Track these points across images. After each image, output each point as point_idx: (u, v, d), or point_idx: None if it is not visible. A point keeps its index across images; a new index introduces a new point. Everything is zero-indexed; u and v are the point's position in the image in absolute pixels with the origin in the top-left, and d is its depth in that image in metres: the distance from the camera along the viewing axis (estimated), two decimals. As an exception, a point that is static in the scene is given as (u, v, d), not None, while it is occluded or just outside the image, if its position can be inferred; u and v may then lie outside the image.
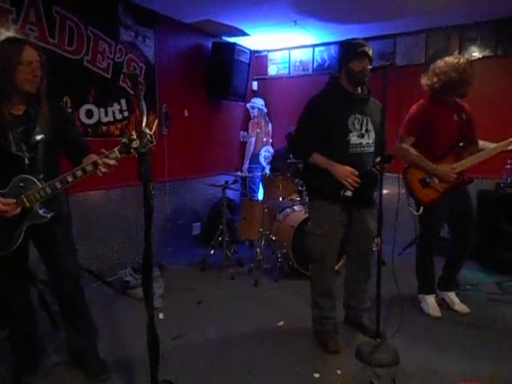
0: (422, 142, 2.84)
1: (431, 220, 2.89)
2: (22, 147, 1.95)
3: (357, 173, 2.38)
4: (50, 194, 1.92)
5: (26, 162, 1.95)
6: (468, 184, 2.89)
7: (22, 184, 1.92)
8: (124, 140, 1.75)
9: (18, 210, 1.90)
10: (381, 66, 2.31)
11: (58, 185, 1.90)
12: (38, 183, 1.93)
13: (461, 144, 2.79)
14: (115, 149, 1.81)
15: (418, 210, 2.86)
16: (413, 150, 2.84)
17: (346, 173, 2.38)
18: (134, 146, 1.70)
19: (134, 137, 1.68)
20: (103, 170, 1.85)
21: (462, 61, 2.75)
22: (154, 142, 1.65)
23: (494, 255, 3.89)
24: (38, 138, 1.98)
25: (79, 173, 1.89)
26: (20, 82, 1.91)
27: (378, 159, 2.41)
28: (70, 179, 1.90)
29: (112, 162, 1.85)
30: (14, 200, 1.89)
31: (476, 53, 4.32)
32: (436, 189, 2.82)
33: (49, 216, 1.99)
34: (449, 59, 2.79)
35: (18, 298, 2.18)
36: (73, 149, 2.15)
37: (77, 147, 2.15)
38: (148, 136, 1.61)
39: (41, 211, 1.96)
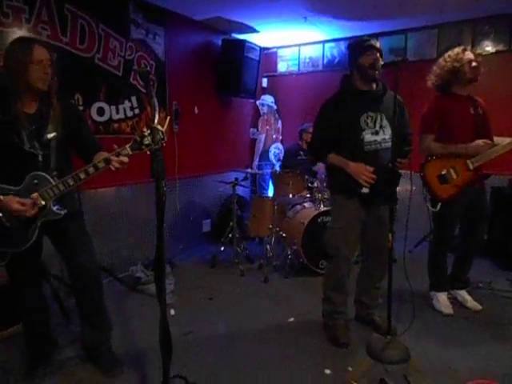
0: (441, 136, 2.80)
1: (448, 217, 2.86)
2: (35, 145, 1.97)
3: (371, 169, 2.38)
4: (63, 190, 1.94)
5: (40, 159, 1.98)
6: (485, 179, 2.85)
7: (35, 181, 1.95)
8: (135, 137, 1.76)
9: (36, 210, 1.92)
10: (393, 62, 2.30)
11: (71, 182, 1.93)
12: (52, 180, 1.96)
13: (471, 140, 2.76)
14: (127, 145, 1.83)
15: (434, 207, 2.83)
16: (434, 145, 2.82)
17: (360, 170, 2.39)
18: (146, 142, 1.71)
19: (146, 133, 1.70)
20: (116, 165, 1.87)
21: (456, 50, 2.81)
22: (165, 138, 1.66)
23: (506, 252, 3.84)
24: (50, 135, 2.00)
25: (91, 170, 1.91)
26: (32, 81, 1.93)
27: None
28: (82, 176, 1.92)
29: (125, 160, 1.87)
30: (30, 200, 1.91)
31: (489, 47, 4.26)
32: (454, 184, 2.77)
33: (62, 213, 2.01)
34: (446, 53, 2.86)
35: (31, 293, 2.21)
36: (84, 146, 2.18)
37: (88, 145, 2.18)
38: (160, 134, 1.62)
39: (54, 208, 1.99)
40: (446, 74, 2.79)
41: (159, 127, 1.62)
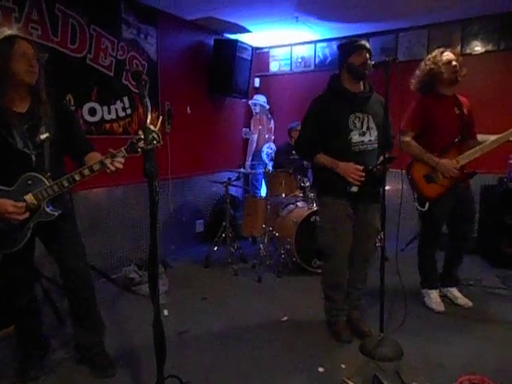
0: (424, 135, 2.83)
1: (435, 215, 2.89)
2: (29, 145, 1.96)
3: (361, 168, 2.40)
4: (58, 192, 1.93)
5: (33, 159, 1.96)
6: (472, 177, 2.88)
7: (29, 182, 1.93)
8: (132, 139, 1.76)
9: (27, 214, 1.92)
10: (383, 62, 2.31)
11: (66, 183, 1.92)
12: (46, 181, 1.94)
13: (456, 140, 2.79)
14: (122, 148, 1.83)
15: (422, 206, 2.85)
16: (414, 144, 2.85)
17: (350, 169, 2.41)
18: (141, 145, 1.71)
19: (142, 136, 1.69)
20: (113, 168, 1.86)
21: (434, 52, 2.87)
22: (161, 142, 1.66)
23: (497, 249, 3.89)
24: (44, 136, 1.99)
25: (86, 172, 1.90)
26: (19, 75, 1.90)
27: (380, 159, 2.44)
28: (77, 178, 1.91)
29: (119, 165, 1.86)
30: (24, 203, 1.90)
31: (478, 47, 4.31)
32: (440, 183, 2.81)
33: (56, 214, 2.00)
34: (426, 56, 2.92)
35: (24, 295, 2.19)
36: (76, 146, 2.16)
37: (80, 144, 2.16)
38: (154, 134, 1.62)
39: (48, 209, 1.98)
40: (426, 77, 2.85)
41: (152, 127, 1.62)
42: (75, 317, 2.30)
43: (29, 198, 1.92)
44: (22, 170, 1.93)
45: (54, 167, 2.01)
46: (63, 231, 2.14)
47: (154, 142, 1.62)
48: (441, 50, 2.86)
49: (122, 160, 1.87)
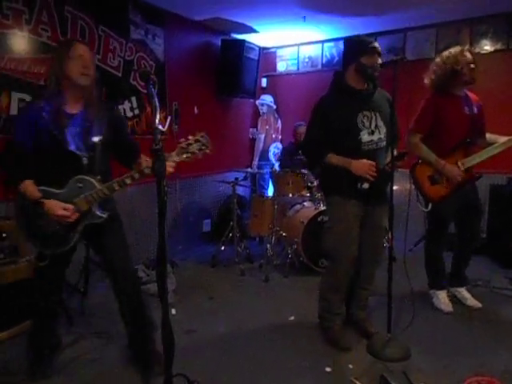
0: (433, 136, 2.81)
1: (440, 215, 2.87)
2: (81, 147, 1.98)
3: (374, 163, 2.35)
4: (108, 195, 1.96)
5: (85, 162, 1.98)
6: (477, 180, 2.86)
7: (80, 185, 1.95)
8: (181, 144, 1.90)
9: (76, 215, 1.94)
10: (391, 61, 2.30)
11: (116, 186, 1.94)
12: (97, 184, 1.96)
13: (468, 140, 2.76)
14: (173, 152, 1.92)
15: (426, 207, 2.84)
16: (422, 145, 2.82)
17: (364, 167, 2.35)
18: (191, 150, 1.88)
19: (191, 141, 1.75)
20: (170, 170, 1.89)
21: (454, 50, 2.76)
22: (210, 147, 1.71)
23: (506, 250, 3.86)
24: (96, 138, 2.01)
25: (137, 175, 1.93)
26: (74, 76, 1.95)
27: (391, 156, 2.40)
28: (128, 181, 1.93)
29: (170, 167, 1.90)
30: (73, 206, 1.93)
31: (488, 46, 4.28)
32: (444, 185, 2.78)
33: (105, 216, 2.02)
34: (444, 52, 2.82)
35: (55, 295, 2.23)
36: (124, 150, 2.19)
37: (128, 148, 2.19)
38: (203, 140, 1.66)
39: (98, 212, 2.00)
40: (445, 76, 2.76)
41: (160, 127, 1.63)
42: (125, 316, 2.27)
43: (79, 201, 1.94)
44: (72, 172, 1.95)
45: (104, 170, 2.04)
46: (112, 234, 2.15)
47: (203, 147, 1.68)
48: (460, 48, 2.76)
49: (173, 164, 1.95)
